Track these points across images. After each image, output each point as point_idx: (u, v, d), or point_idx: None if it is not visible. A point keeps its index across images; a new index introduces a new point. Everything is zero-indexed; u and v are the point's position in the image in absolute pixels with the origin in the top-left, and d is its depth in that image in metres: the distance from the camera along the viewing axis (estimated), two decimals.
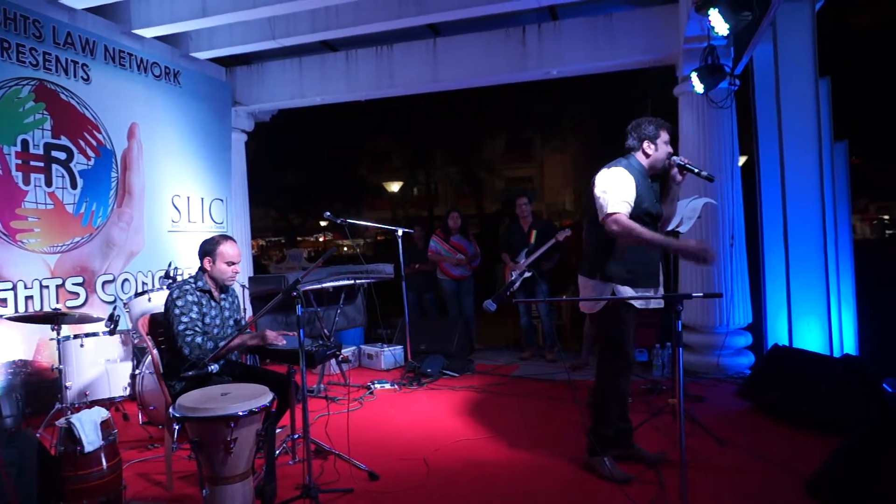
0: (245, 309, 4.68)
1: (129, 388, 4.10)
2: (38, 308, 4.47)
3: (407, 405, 4.60)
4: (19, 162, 4.44)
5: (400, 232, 5.40)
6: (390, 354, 5.92)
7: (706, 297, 2.78)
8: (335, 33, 5.77)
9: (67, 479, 2.55)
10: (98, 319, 4.14)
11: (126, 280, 5.28)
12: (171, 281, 4.74)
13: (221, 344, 3.00)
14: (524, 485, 3.06)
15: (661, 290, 3.16)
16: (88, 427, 2.61)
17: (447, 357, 5.69)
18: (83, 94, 4.97)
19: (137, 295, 4.54)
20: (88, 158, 4.99)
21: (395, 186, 19.44)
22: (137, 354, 4.27)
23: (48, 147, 4.66)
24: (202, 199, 6.29)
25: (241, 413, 2.37)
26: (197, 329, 2.98)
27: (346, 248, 19.34)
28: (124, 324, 4.66)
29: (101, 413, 2.72)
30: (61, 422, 2.62)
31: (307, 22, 5.67)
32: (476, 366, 5.74)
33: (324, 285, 4.79)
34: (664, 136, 3.08)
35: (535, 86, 7.05)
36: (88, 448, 2.57)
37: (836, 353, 4.61)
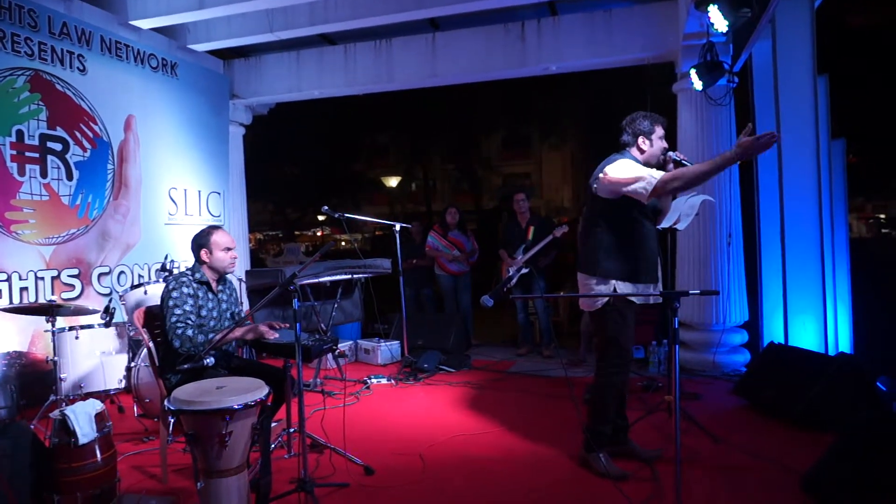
0: (242, 302, 4.67)
1: (124, 381, 4.09)
2: (33, 299, 4.45)
3: (403, 400, 4.60)
4: (14, 153, 4.41)
5: (398, 227, 5.40)
6: (387, 349, 5.92)
7: (703, 295, 2.77)
8: (333, 27, 5.74)
9: (61, 470, 2.54)
10: (94, 311, 4.12)
11: (122, 272, 5.26)
12: (167, 273, 4.72)
13: (214, 336, 2.99)
14: (520, 480, 3.06)
15: (660, 286, 3.16)
16: (83, 419, 2.60)
17: (444, 352, 5.69)
18: (79, 85, 4.93)
19: (133, 287, 4.53)
20: (84, 150, 4.96)
21: (393, 181, 19.39)
22: (133, 347, 4.25)
23: (43, 138, 4.63)
24: (199, 192, 6.26)
25: (236, 406, 2.36)
26: (189, 322, 2.96)
27: (343, 243, 19.30)
28: (120, 316, 4.64)
29: (95, 405, 2.71)
30: (55, 414, 2.61)
31: (305, 15, 5.65)
32: (473, 361, 5.74)
33: (321, 279, 4.79)
34: (659, 130, 3.07)
35: (534, 82, 7.04)
36: (83, 440, 2.56)
37: (832, 352, 4.62)
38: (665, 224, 3.44)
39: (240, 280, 5.32)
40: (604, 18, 5.61)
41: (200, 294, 3.10)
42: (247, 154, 7.27)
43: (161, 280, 4.59)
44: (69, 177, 4.82)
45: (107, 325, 4.10)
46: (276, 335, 3.05)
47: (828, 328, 4.71)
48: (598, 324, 3.12)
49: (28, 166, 4.51)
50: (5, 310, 3.92)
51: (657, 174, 2.86)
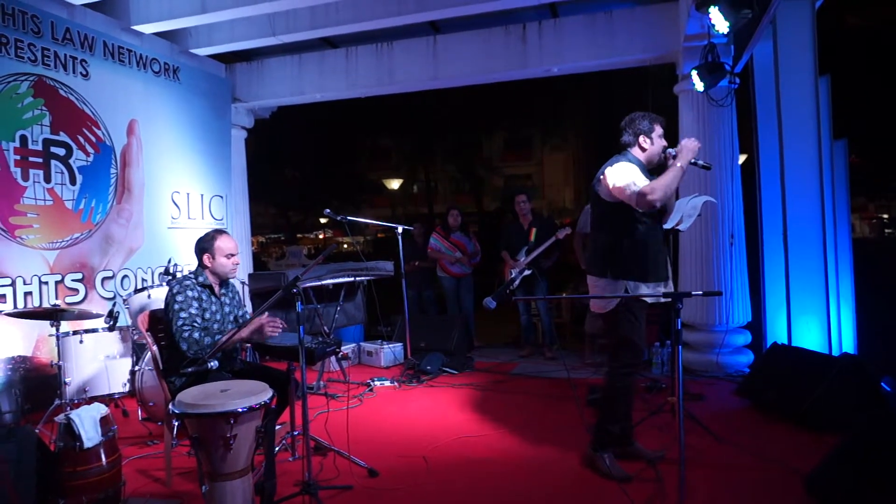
0: (245, 305, 4.68)
1: (128, 385, 4.10)
2: (37, 304, 4.47)
3: (406, 402, 4.60)
4: (18, 158, 4.43)
5: (400, 229, 5.40)
6: (390, 352, 5.93)
7: (706, 296, 2.78)
8: (335, 30, 5.76)
9: (67, 474, 2.55)
10: (97, 316, 4.14)
11: (125, 276, 5.27)
12: (170, 277, 4.74)
13: (219, 338, 3.00)
14: (523, 482, 3.06)
15: (671, 284, 3.16)
16: (88, 423, 2.61)
17: (447, 354, 5.69)
18: (82, 90, 4.95)
19: (137, 291, 4.54)
20: (88, 154, 4.98)
21: (394, 184, 19.42)
22: (137, 351, 4.26)
23: (47, 143, 4.65)
24: (202, 195, 6.28)
25: (240, 409, 2.37)
26: (195, 324, 2.98)
27: (345, 246, 19.30)
28: (124, 320, 4.65)
29: (100, 409, 2.72)
30: (60, 418, 2.62)
31: (307, 18, 5.66)
32: (475, 363, 5.74)
33: (324, 282, 4.80)
34: (658, 129, 3.10)
35: (535, 83, 7.04)
36: (88, 444, 2.57)
37: (835, 352, 4.61)
38: (667, 225, 3.44)
39: (243, 283, 5.34)
40: (605, 20, 5.62)
41: (204, 297, 3.11)
42: (249, 157, 7.28)
43: (164, 284, 4.60)
44: (73, 181, 4.84)
45: (111, 329, 4.12)
46: (280, 330, 3.04)
47: (831, 328, 4.70)
48: (611, 325, 3.12)
49: (32, 171, 4.53)
50: (10, 314, 3.93)
51: (639, 185, 2.89)
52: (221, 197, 6.56)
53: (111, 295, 5.08)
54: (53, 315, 3.83)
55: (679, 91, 5.31)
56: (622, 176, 2.96)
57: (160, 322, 3.17)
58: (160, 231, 5.70)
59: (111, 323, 4.11)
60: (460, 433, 3.81)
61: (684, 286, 5.17)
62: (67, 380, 3.87)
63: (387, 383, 5.12)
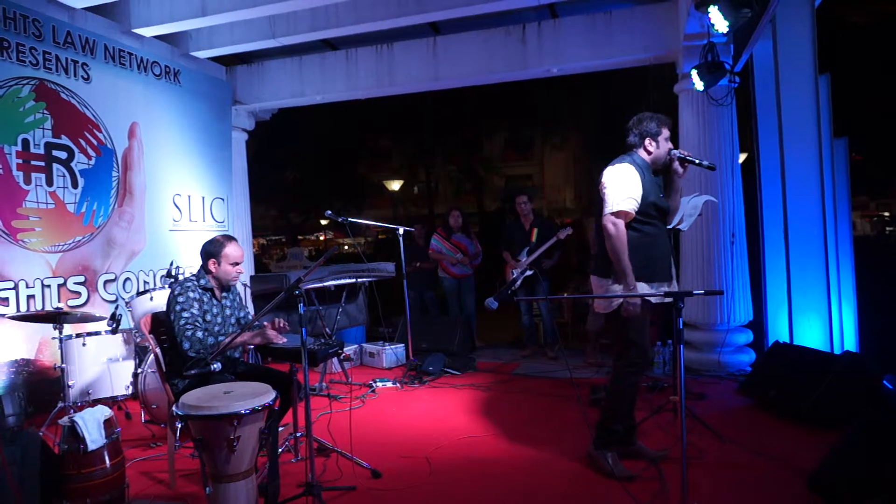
0: (246, 306, 4.69)
1: (131, 387, 4.11)
2: (39, 307, 4.48)
3: (409, 403, 4.61)
4: (20, 161, 4.45)
5: (401, 230, 5.41)
6: (392, 353, 5.93)
7: (707, 295, 2.78)
8: (335, 32, 5.76)
9: (70, 477, 2.56)
10: (100, 318, 4.14)
11: (128, 279, 5.29)
12: (172, 280, 4.74)
13: (222, 339, 3.01)
14: (526, 482, 3.06)
15: (675, 284, 3.17)
16: (91, 425, 2.61)
17: (449, 355, 5.70)
18: (83, 93, 4.97)
19: (139, 294, 4.55)
20: (89, 158, 4.99)
21: (395, 185, 19.40)
22: (139, 353, 4.28)
23: (49, 146, 4.66)
24: (203, 197, 6.29)
25: (244, 411, 2.38)
26: (198, 324, 2.99)
27: (346, 247, 19.32)
28: (126, 323, 4.66)
29: (103, 411, 2.73)
30: (64, 420, 2.63)
31: (307, 21, 5.67)
32: (477, 364, 5.75)
33: (325, 284, 4.80)
34: (665, 132, 3.10)
35: (536, 83, 7.05)
36: (92, 446, 2.58)
37: (837, 350, 4.61)
38: (669, 225, 3.45)
39: (244, 285, 5.34)
40: (604, 20, 5.63)
41: (205, 299, 3.12)
42: (250, 159, 7.30)
43: (167, 286, 4.61)
44: (74, 184, 4.85)
45: (113, 331, 4.13)
46: (284, 339, 3.06)
47: (833, 327, 4.70)
48: (615, 325, 3.13)
49: (34, 174, 4.54)
50: (13, 317, 3.94)
51: (619, 206, 2.93)
52: (222, 199, 6.57)
53: (113, 298, 5.09)
54: (56, 318, 3.85)
55: (679, 90, 5.31)
56: (610, 181, 3.00)
57: (163, 324, 3.18)
58: (162, 234, 5.71)
59: (114, 326, 4.12)
60: (463, 434, 3.82)
61: (685, 285, 5.17)
62: (70, 382, 3.88)
63: (389, 384, 5.13)
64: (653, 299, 3.02)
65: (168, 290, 3.31)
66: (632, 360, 3.09)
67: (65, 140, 4.79)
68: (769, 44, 4.75)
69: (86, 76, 4.99)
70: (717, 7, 3.61)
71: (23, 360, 4.36)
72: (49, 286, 4.59)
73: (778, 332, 4.99)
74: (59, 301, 4.63)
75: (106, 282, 5.07)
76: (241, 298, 3.44)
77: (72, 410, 3.67)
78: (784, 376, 4.03)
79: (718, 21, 3.67)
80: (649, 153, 3.09)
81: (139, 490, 3.05)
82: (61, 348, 3.87)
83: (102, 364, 4.03)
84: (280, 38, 5.80)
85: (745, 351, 5.16)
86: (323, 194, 18.68)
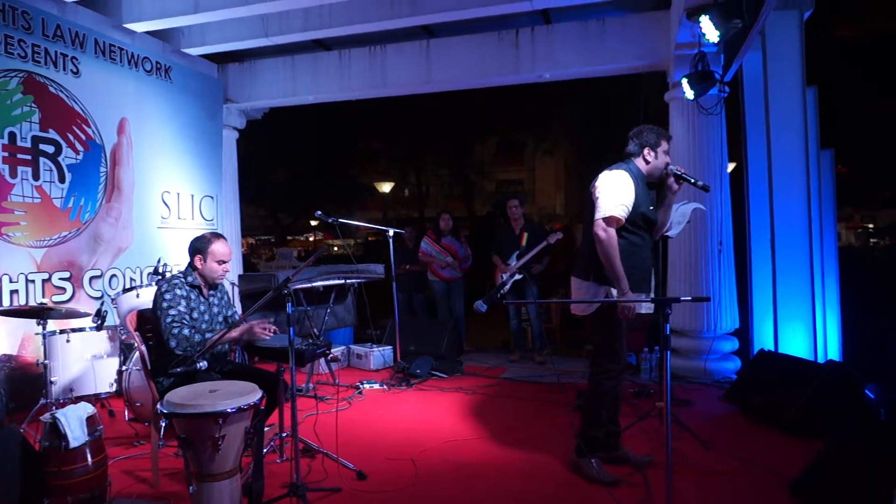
0: (234, 305, 4.66)
1: (115, 385, 4.06)
2: (23, 302, 4.42)
3: (395, 405, 4.60)
4: (6, 154, 4.39)
5: (391, 232, 5.40)
6: (380, 355, 5.92)
7: (694, 301, 2.81)
8: (328, 32, 5.76)
9: (51, 474, 2.52)
10: (85, 315, 4.10)
11: (114, 276, 5.23)
12: (159, 277, 4.71)
13: (209, 336, 2.99)
14: (511, 486, 3.07)
15: (653, 295, 3.19)
16: (74, 422, 2.58)
17: (436, 358, 5.69)
18: (72, 87, 4.92)
19: (125, 291, 4.51)
20: (77, 153, 4.94)
21: (386, 187, 19.39)
22: (124, 350, 4.23)
23: (36, 140, 4.61)
24: (192, 195, 6.25)
25: (230, 410, 2.36)
26: (185, 322, 2.97)
27: (336, 248, 19.26)
28: (111, 320, 4.62)
29: (86, 409, 2.69)
30: (46, 417, 2.59)
31: (300, 20, 5.66)
32: (465, 367, 5.75)
33: (314, 284, 4.79)
34: (664, 145, 3.12)
35: (527, 89, 7.08)
36: (73, 444, 2.54)
37: (821, 359, 4.67)
38: (660, 234, 3.47)
39: (233, 284, 5.31)
40: (597, 27, 5.67)
41: (192, 297, 3.10)
42: (240, 158, 7.26)
43: (153, 283, 4.57)
44: (61, 179, 4.80)
45: (98, 328, 4.08)
46: (270, 335, 3.04)
47: (817, 336, 4.75)
48: (591, 329, 3.15)
49: (20, 168, 4.48)
50: None
51: (611, 212, 2.94)
52: (212, 197, 6.53)
53: (99, 294, 5.04)
54: (40, 313, 3.80)
55: (669, 99, 5.36)
56: (604, 185, 3.01)
57: (148, 322, 3.15)
58: (149, 231, 5.67)
59: (99, 322, 4.08)
60: (449, 437, 3.81)
61: (673, 292, 5.21)
62: (53, 379, 3.83)
63: (376, 386, 5.11)
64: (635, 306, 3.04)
65: (154, 288, 3.29)
66: (604, 366, 3.11)
67: (52, 134, 4.74)
68: (759, 55, 4.81)
69: (75, 70, 4.95)
70: (708, 17, 3.66)
71: (5, 355, 4.30)
72: (33, 281, 4.54)
73: (763, 340, 5.04)
74: (43, 296, 4.58)
75: (92, 278, 5.02)
76: (228, 297, 3.42)
77: (54, 407, 3.62)
78: (769, 384, 4.07)
79: (709, 31, 3.71)
80: (647, 163, 3.11)
81: (121, 488, 3.02)
82: (45, 344, 3.83)
83: (86, 361, 3.98)
84: (272, 37, 5.79)
85: (730, 358, 5.21)
86: (313, 195, 18.61)
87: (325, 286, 4.96)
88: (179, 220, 6.05)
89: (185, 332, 2.93)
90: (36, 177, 4.60)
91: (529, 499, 2.93)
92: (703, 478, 3.10)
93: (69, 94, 4.89)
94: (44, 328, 3.82)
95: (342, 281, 5.04)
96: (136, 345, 3.15)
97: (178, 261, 5.66)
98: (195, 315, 3.08)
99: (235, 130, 7.10)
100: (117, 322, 4.50)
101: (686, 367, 5.15)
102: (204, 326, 3.10)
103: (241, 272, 6.77)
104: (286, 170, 18.47)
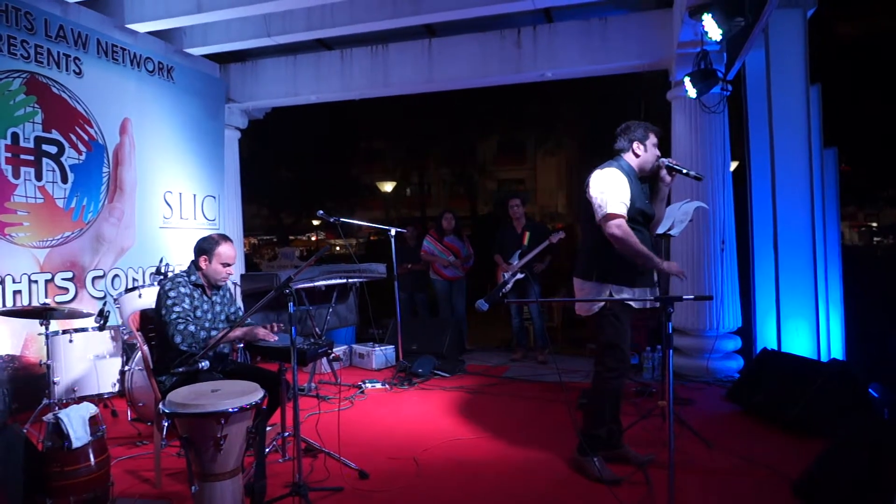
0: (237, 302, 4.67)
1: (117, 385, 4.07)
2: (26, 303, 4.43)
3: (398, 405, 4.60)
4: (9, 155, 4.40)
5: (393, 232, 5.40)
6: (381, 354, 5.92)
7: (697, 300, 2.81)
8: (330, 32, 5.76)
9: (54, 474, 2.53)
10: (87, 315, 4.11)
11: (116, 276, 5.24)
12: (162, 277, 4.71)
13: (214, 334, 2.99)
14: (514, 485, 3.06)
15: (657, 290, 3.19)
16: (76, 422, 2.59)
17: (438, 357, 5.69)
18: (75, 88, 4.93)
19: (128, 291, 4.51)
20: (80, 153, 4.95)
21: (388, 186, 19.39)
22: (127, 350, 4.24)
23: (39, 140, 4.62)
24: (194, 195, 6.25)
25: (232, 410, 2.36)
26: (189, 318, 2.97)
27: (338, 248, 19.26)
28: (114, 320, 4.62)
29: (89, 409, 2.70)
30: (49, 417, 2.60)
31: (302, 20, 5.66)
32: (467, 366, 5.75)
33: (316, 284, 4.79)
34: (653, 138, 3.12)
35: (530, 88, 7.07)
36: (76, 444, 2.55)
37: (824, 358, 4.65)
38: (660, 230, 3.47)
39: (235, 284, 5.31)
40: (599, 26, 5.65)
41: (196, 295, 3.11)
42: (242, 158, 7.26)
43: (156, 283, 4.58)
44: (64, 179, 4.81)
45: (101, 328, 4.09)
46: (276, 338, 3.05)
47: (820, 334, 4.74)
48: (595, 328, 3.14)
49: (23, 169, 4.49)
50: None
51: (612, 206, 2.93)
52: (214, 197, 6.53)
53: (101, 294, 5.05)
54: (43, 314, 3.81)
55: (672, 97, 5.34)
56: (600, 185, 3.00)
57: (151, 322, 3.16)
58: (152, 231, 5.67)
59: (101, 322, 4.08)
60: (451, 436, 3.81)
61: (675, 291, 5.18)
62: (56, 379, 3.84)
63: (378, 386, 5.12)
64: (636, 304, 3.04)
65: (157, 288, 3.29)
66: (609, 365, 3.10)
67: (55, 134, 4.75)
68: (762, 53, 4.80)
69: (78, 71, 4.95)
70: (710, 15, 3.65)
71: (8, 355, 4.31)
72: (36, 281, 4.55)
73: (766, 339, 5.03)
74: (46, 297, 4.59)
75: (94, 278, 5.03)
76: (231, 294, 3.42)
77: (57, 407, 3.63)
78: (771, 383, 4.06)
79: (712, 29, 3.70)
80: (637, 157, 3.11)
81: (124, 488, 3.03)
82: (47, 344, 3.83)
83: (89, 361, 3.99)
84: (275, 37, 5.79)
85: (733, 357, 5.20)
86: (315, 194, 18.61)
87: (327, 285, 4.96)
88: (182, 220, 6.05)
89: (191, 328, 2.94)
90: (39, 177, 4.61)
91: (532, 498, 2.92)
92: (704, 477, 3.09)
93: (72, 94, 4.90)
94: (47, 328, 3.83)
95: (344, 280, 5.03)
96: (138, 345, 3.16)
97: (180, 261, 5.67)
98: (198, 314, 3.09)
99: (237, 130, 7.10)
100: (120, 322, 4.51)
101: (688, 365, 5.14)
102: (207, 325, 3.11)
103: (244, 272, 6.78)
104: (288, 169, 18.48)
